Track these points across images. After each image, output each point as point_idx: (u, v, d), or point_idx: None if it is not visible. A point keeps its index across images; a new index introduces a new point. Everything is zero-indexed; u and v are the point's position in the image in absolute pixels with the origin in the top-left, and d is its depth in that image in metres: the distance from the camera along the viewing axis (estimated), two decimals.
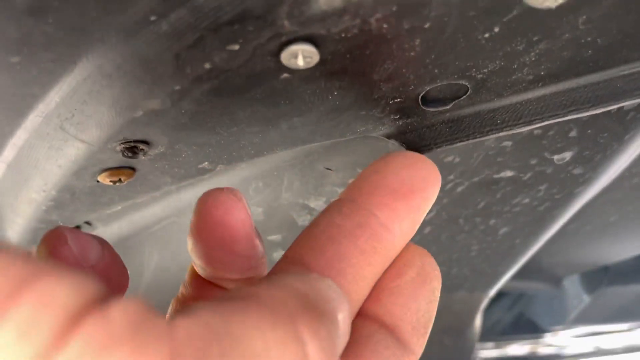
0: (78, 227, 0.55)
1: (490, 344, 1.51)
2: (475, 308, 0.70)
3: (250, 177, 0.46)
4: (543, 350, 1.74)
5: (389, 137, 0.40)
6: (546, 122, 0.35)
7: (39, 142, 0.36)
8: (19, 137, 0.36)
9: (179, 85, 0.29)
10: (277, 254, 0.54)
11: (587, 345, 1.75)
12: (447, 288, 0.64)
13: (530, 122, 0.35)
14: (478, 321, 0.77)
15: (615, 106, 0.34)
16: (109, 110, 0.31)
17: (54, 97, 0.31)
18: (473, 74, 0.32)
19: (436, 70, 0.31)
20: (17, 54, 0.28)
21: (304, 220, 0.49)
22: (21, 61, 0.28)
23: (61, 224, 0.50)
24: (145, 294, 0.58)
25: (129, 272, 0.55)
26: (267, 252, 0.54)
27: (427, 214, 0.50)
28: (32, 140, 0.36)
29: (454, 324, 0.71)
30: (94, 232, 0.56)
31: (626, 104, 0.34)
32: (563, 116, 0.35)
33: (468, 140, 0.38)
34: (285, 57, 0.28)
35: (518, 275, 0.87)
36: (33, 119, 0.33)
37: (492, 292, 0.69)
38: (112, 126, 0.33)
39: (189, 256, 0.55)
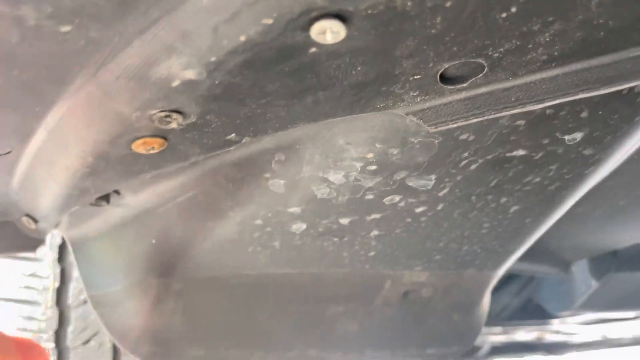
0: (108, 195, 0.58)
1: (498, 329, 1.53)
2: (485, 286, 0.73)
3: (274, 151, 0.48)
4: (550, 337, 1.76)
5: (407, 113, 0.42)
6: (558, 101, 0.36)
7: (81, 109, 0.38)
8: (63, 104, 0.38)
9: (215, 56, 0.32)
10: (296, 226, 0.57)
11: (594, 333, 1.76)
12: (458, 265, 0.67)
13: (542, 100, 0.37)
14: (487, 300, 0.79)
15: (625, 86, 0.35)
16: (149, 80, 0.34)
17: (98, 65, 0.34)
18: (490, 53, 0.34)
19: (455, 48, 0.33)
20: (68, 24, 0.30)
21: (322, 193, 0.52)
22: (71, 31, 0.31)
23: (93, 191, 0.53)
24: (170, 260, 0.61)
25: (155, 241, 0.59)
26: (285, 224, 0.57)
27: (441, 190, 0.53)
28: (75, 108, 0.38)
29: (464, 301, 0.73)
30: (123, 201, 0.59)
31: (635, 84, 0.35)
32: (574, 95, 0.36)
33: (483, 117, 0.40)
34: (314, 32, 0.31)
35: (528, 258, 0.89)
36: (78, 87, 0.36)
37: (501, 271, 0.71)
38: (151, 95, 0.35)
39: (213, 225, 0.58)
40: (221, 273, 0.63)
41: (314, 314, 0.70)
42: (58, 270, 0.88)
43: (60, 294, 0.88)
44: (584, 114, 0.43)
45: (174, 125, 0.39)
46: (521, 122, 0.44)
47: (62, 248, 0.89)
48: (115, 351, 0.90)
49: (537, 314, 1.33)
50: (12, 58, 0.31)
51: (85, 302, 0.88)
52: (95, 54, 0.33)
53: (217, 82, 0.35)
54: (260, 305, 0.67)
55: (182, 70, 0.33)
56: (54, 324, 0.88)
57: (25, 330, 0.87)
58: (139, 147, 0.43)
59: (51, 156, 0.47)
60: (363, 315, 0.71)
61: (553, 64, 0.35)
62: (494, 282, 0.73)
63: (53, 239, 0.89)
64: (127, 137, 0.41)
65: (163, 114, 0.38)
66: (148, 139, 0.42)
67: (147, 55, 0.32)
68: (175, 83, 0.34)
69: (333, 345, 0.72)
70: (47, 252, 0.88)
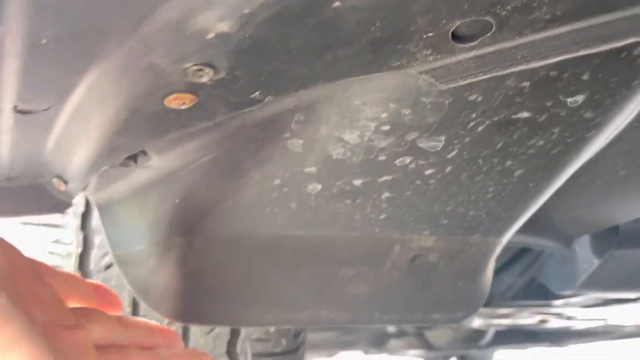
0: (135, 156, 0.61)
1: (502, 310, 1.57)
2: (489, 253, 0.76)
3: (293, 111, 0.52)
4: (552, 321, 1.79)
5: (420, 72, 0.45)
6: (560, 57, 0.40)
7: (121, 63, 0.42)
8: (104, 58, 0.42)
9: (248, 8, 0.35)
10: (312, 186, 0.60)
11: (596, 319, 1.79)
12: (464, 231, 0.70)
13: (546, 57, 0.41)
14: (491, 269, 0.83)
15: (621, 43, 0.39)
16: (186, 32, 0.37)
17: (141, 18, 0.37)
18: (498, 11, 0.37)
19: (466, 6, 0.36)
20: None
21: (338, 153, 0.55)
22: None
23: (123, 150, 0.56)
24: (192, 220, 0.65)
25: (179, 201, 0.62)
26: (302, 184, 0.61)
27: (449, 152, 0.56)
28: (115, 62, 0.42)
29: (469, 267, 0.77)
30: (149, 163, 0.63)
31: (631, 41, 0.39)
32: (575, 52, 0.40)
33: (491, 74, 0.43)
34: None
35: (532, 231, 0.92)
36: (120, 40, 0.39)
37: (505, 238, 0.74)
38: (187, 47, 0.38)
39: (234, 185, 0.62)
40: (240, 233, 0.67)
41: (326, 276, 0.73)
42: (81, 237, 0.92)
43: (83, 259, 0.92)
44: (585, 77, 0.46)
45: (205, 79, 0.43)
46: (526, 83, 0.47)
47: (84, 216, 0.93)
48: (135, 314, 0.94)
49: (541, 294, 1.36)
50: (66, 7, 0.35)
51: (106, 267, 0.93)
52: (139, 6, 0.36)
53: (247, 36, 0.38)
54: (275, 266, 0.71)
55: (217, 22, 0.36)
56: None
57: None
58: (171, 102, 0.46)
59: (88, 112, 0.50)
60: (373, 278, 0.75)
61: (556, 23, 0.39)
62: (498, 250, 0.77)
63: (76, 207, 0.93)
64: (161, 91, 0.45)
65: (196, 67, 0.41)
66: (180, 94, 0.45)
67: (187, 7, 0.35)
68: (210, 35, 0.38)
69: (343, 307, 0.75)
70: (70, 220, 0.92)
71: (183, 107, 0.47)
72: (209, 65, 0.41)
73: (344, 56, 0.42)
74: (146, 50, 0.40)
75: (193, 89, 0.45)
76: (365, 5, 0.36)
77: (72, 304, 0.53)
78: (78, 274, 0.61)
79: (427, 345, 3.20)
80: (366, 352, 3.52)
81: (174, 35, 0.38)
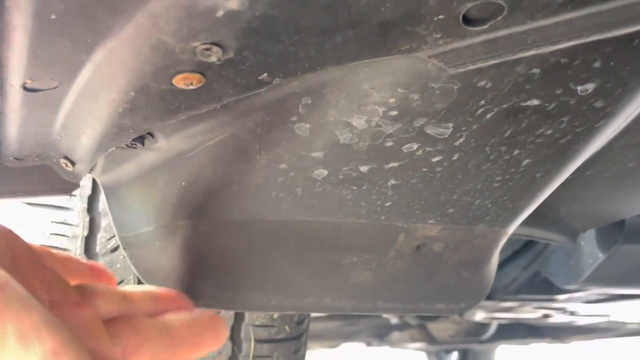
0: (142, 137, 0.61)
1: (506, 304, 1.57)
2: (494, 244, 0.76)
3: (301, 94, 0.52)
4: (555, 316, 1.79)
5: (429, 56, 0.45)
6: (571, 43, 0.39)
7: (130, 40, 0.42)
8: (113, 36, 0.42)
9: None
10: (318, 172, 0.60)
11: (599, 315, 1.79)
12: (469, 220, 0.70)
13: (556, 42, 0.40)
14: (495, 260, 0.82)
15: (634, 29, 0.38)
16: (196, 9, 0.37)
17: None
18: None
19: None
20: None
21: (345, 138, 0.55)
22: None
23: (131, 130, 0.57)
24: (198, 203, 0.65)
25: (185, 184, 0.62)
26: (308, 170, 0.60)
27: (457, 140, 0.56)
28: (123, 39, 0.42)
29: (473, 257, 0.76)
30: (156, 145, 0.63)
31: None
32: (586, 37, 0.39)
33: (501, 58, 0.42)
34: None
35: (538, 224, 0.92)
36: (128, 17, 0.39)
37: (511, 229, 0.74)
38: (197, 25, 0.38)
39: (240, 168, 0.62)
40: (245, 217, 0.67)
41: (330, 263, 0.73)
42: (87, 219, 0.93)
43: (89, 242, 0.93)
44: (596, 64, 0.46)
45: (213, 58, 0.43)
46: (536, 70, 0.46)
47: (91, 198, 0.93)
48: None
49: (545, 288, 1.36)
50: None
51: (112, 250, 0.93)
52: None
53: (257, 14, 0.38)
54: (280, 252, 0.71)
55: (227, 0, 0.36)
56: None
57: None
58: (179, 81, 0.46)
59: (96, 91, 0.50)
60: (377, 266, 0.75)
61: (568, 7, 0.38)
62: (503, 240, 0.77)
63: (82, 189, 0.93)
64: (170, 70, 0.44)
65: (205, 46, 0.41)
66: (188, 74, 0.45)
67: None
68: (220, 13, 0.37)
69: (347, 294, 0.76)
70: (77, 202, 0.93)
71: (191, 87, 0.47)
72: (218, 44, 0.41)
73: (353, 38, 0.42)
74: (155, 28, 0.39)
75: (201, 68, 0.45)
76: None
77: (73, 283, 0.53)
78: (72, 255, 0.61)
79: (430, 338, 3.21)
80: (368, 343, 3.54)
81: (183, 13, 0.38)
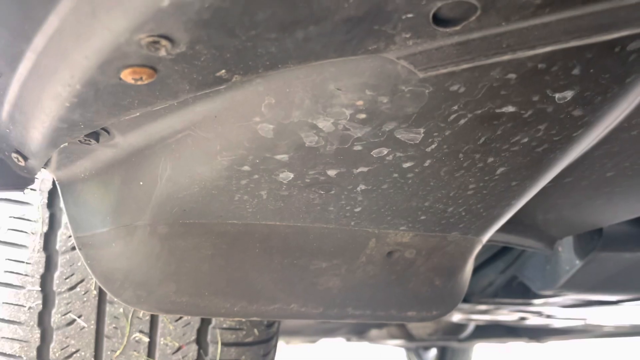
0: (97, 134, 0.58)
1: (482, 306, 1.55)
2: (468, 252, 0.73)
3: (264, 93, 0.48)
4: (532, 319, 1.79)
5: (398, 58, 0.42)
6: (549, 48, 0.36)
7: (70, 30, 0.38)
8: (51, 24, 0.38)
9: None
10: (284, 175, 0.57)
11: (575, 318, 1.79)
12: (442, 227, 0.67)
13: (533, 47, 0.37)
14: (470, 267, 0.80)
15: (617, 35, 0.35)
16: None
17: None
18: None
19: None
20: None
21: (311, 141, 0.52)
22: None
23: (82, 126, 0.53)
24: (157, 204, 0.61)
25: (143, 183, 0.59)
26: (273, 172, 0.57)
27: (429, 145, 0.53)
28: (63, 28, 0.38)
29: (446, 265, 0.74)
30: (112, 142, 0.59)
31: (627, 33, 0.35)
32: (565, 42, 0.36)
33: (474, 62, 0.39)
34: None
35: (514, 231, 0.90)
36: (66, 5, 0.36)
37: (485, 237, 0.72)
38: (140, 15, 0.35)
39: (200, 169, 0.58)
40: (207, 220, 0.64)
41: (298, 268, 0.70)
42: (47, 215, 0.88)
43: (49, 239, 0.89)
44: (576, 71, 0.43)
45: (162, 52, 0.39)
46: (512, 75, 0.43)
47: (52, 193, 0.89)
48: (101, 299, 0.91)
49: (521, 292, 1.35)
50: None
51: (73, 248, 0.89)
52: None
53: (206, 6, 0.34)
54: (244, 256, 0.68)
55: None
56: (41, 268, 0.88)
57: (11, 272, 0.88)
58: (127, 76, 0.42)
59: (40, 83, 0.46)
60: (346, 272, 0.72)
61: (546, 9, 0.35)
62: (477, 248, 0.74)
63: (43, 183, 0.89)
64: (115, 63, 0.41)
65: (151, 38, 0.37)
66: (137, 68, 0.42)
67: None
68: (164, 3, 0.34)
69: (315, 300, 0.73)
70: (36, 197, 0.88)
71: (141, 82, 0.43)
72: (166, 37, 0.37)
73: (316, 35, 0.39)
74: (95, 17, 0.36)
75: (151, 62, 0.41)
76: None
77: None
78: None
79: (408, 336, 3.22)
80: (348, 339, 3.53)
81: (126, 1, 0.34)
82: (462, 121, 0.49)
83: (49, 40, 0.40)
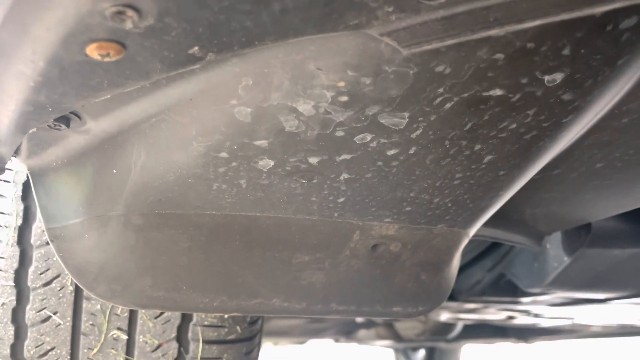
0: (67, 118, 0.55)
1: (470, 305, 1.54)
2: (455, 246, 0.71)
3: (240, 74, 0.46)
4: (520, 318, 1.78)
5: (381, 34, 0.40)
6: (538, 22, 0.34)
7: (29, 0, 0.35)
8: None
9: None
10: (263, 162, 0.55)
11: (563, 318, 1.78)
12: (428, 219, 0.65)
13: (522, 21, 0.35)
14: (456, 262, 0.78)
15: (609, 7, 0.34)
16: None
17: None
18: None
19: None
20: None
21: (291, 125, 0.50)
22: None
23: (50, 109, 0.50)
24: (131, 193, 0.59)
25: (117, 172, 0.56)
26: (252, 159, 0.55)
27: (414, 131, 0.51)
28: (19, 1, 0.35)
29: (433, 259, 0.72)
30: (83, 128, 0.57)
31: (619, 5, 0.34)
32: (555, 15, 0.34)
33: (459, 38, 0.37)
34: None
35: (502, 226, 0.88)
36: None
37: (472, 230, 0.70)
38: None
39: (176, 156, 0.56)
40: (184, 210, 0.61)
41: (280, 261, 0.68)
42: (21, 207, 0.85)
43: (23, 232, 0.85)
44: (566, 51, 0.41)
45: (129, 24, 0.37)
46: (500, 55, 0.42)
47: (26, 185, 0.86)
48: (77, 295, 0.88)
49: (509, 290, 1.33)
50: None
51: (48, 242, 0.86)
52: None
53: None
54: (224, 249, 0.65)
55: None
56: (15, 263, 0.85)
57: None
58: (93, 51, 0.40)
59: (1, 61, 0.44)
60: (330, 266, 0.70)
61: None
62: (464, 242, 0.72)
63: (17, 175, 0.86)
64: (80, 37, 0.38)
65: (116, 8, 0.35)
66: (103, 43, 0.39)
67: None
68: None
69: (298, 295, 0.70)
70: (10, 189, 0.85)
71: (108, 59, 0.40)
72: (132, 7, 0.35)
73: (293, 7, 0.37)
74: None
75: (118, 37, 0.38)
76: None
77: None
78: None
79: (396, 336, 3.21)
80: (336, 340, 3.51)
81: None
82: (448, 105, 0.47)
83: (8, 12, 0.37)
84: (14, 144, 0.59)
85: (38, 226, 0.86)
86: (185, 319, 0.92)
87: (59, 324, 0.87)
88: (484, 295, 1.39)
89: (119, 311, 0.89)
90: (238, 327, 0.95)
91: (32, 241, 0.86)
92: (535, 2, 0.35)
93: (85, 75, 0.44)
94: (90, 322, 0.88)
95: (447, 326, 2.76)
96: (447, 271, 0.76)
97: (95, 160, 0.60)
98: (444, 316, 1.87)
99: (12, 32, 0.39)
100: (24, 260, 0.86)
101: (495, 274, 1.32)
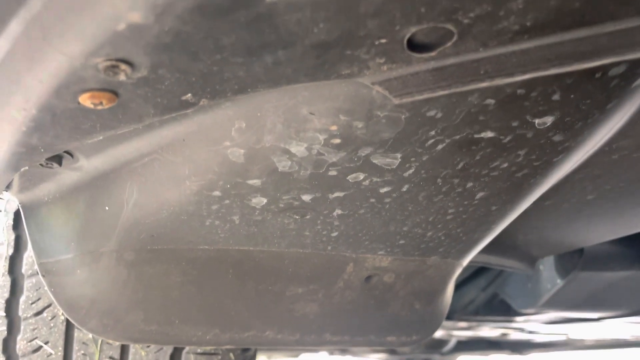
0: (60, 157, 0.55)
1: (463, 323, 1.54)
2: (448, 276, 0.71)
3: (234, 117, 0.46)
4: (514, 335, 1.77)
5: (373, 83, 0.40)
6: (528, 75, 0.35)
7: (22, 53, 0.35)
8: (1, 47, 0.36)
9: None
10: (256, 200, 0.55)
11: (557, 333, 1.78)
12: (422, 252, 0.65)
13: (512, 74, 0.36)
14: (450, 290, 0.78)
15: (598, 63, 0.34)
16: (92, 20, 0.31)
17: (37, 2, 0.31)
18: (460, 18, 0.32)
19: (423, 9, 0.31)
20: None
21: (284, 166, 0.50)
22: None
23: (42, 150, 0.50)
24: (123, 229, 0.58)
25: (109, 208, 0.56)
26: (245, 197, 0.55)
27: (406, 170, 0.51)
28: (14, 52, 0.35)
29: (426, 289, 0.72)
30: (76, 165, 0.56)
31: (609, 62, 0.34)
32: (545, 70, 0.35)
33: (450, 89, 0.38)
34: None
35: (494, 251, 0.89)
36: (15, 27, 0.33)
37: (465, 261, 0.70)
38: (94, 38, 0.32)
39: (169, 194, 0.56)
40: (177, 246, 0.61)
41: (273, 294, 0.68)
42: (12, 237, 0.85)
43: (14, 261, 0.85)
44: (556, 97, 0.42)
45: (122, 77, 0.37)
46: (491, 101, 0.42)
47: (17, 215, 0.85)
48: (69, 324, 0.87)
49: (502, 310, 1.34)
50: None
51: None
52: None
53: (166, 29, 0.32)
54: (216, 282, 0.65)
55: (127, 11, 0.30)
56: (5, 293, 0.84)
57: None
58: (86, 100, 0.40)
59: None
60: (323, 297, 0.69)
61: (525, 36, 0.34)
62: (457, 271, 0.72)
63: (9, 204, 0.85)
64: (72, 88, 0.38)
65: (109, 62, 0.35)
66: (96, 93, 0.39)
67: None
68: (121, 26, 0.32)
69: (291, 326, 0.70)
70: (2, 218, 0.84)
71: (101, 107, 0.40)
72: (125, 61, 0.35)
73: (286, 59, 0.37)
74: (46, 41, 0.33)
75: (111, 87, 0.38)
76: (304, 3, 0.30)
77: None
78: None
79: (391, 350, 3.19)
80: (331, 353, 3.49)
81: (77, 23, 0.32)
82: (440, 146, 0.47)
83: (1, 63, 0.37)
84: (6, 181, 0.58)
85: (29, 255, 0.86)
86: (178, 347, 0.91)
87: (50, 354, 0.86)
88: (477, 314, 1.39)
89: (110, 340, 0.88)
90: (231, 354, 0.95)
91: (23, 270, 0.85)
92: (525, 56, 0.35)
93: (77, 120, 0.44)
94: (82, 352, 0.87)
95: (442, 340, 2.75)
96: (441, 300, 0.76)
97: (87, 196, 0.59)
98: (438, 333, 1.87)
99: (5, 81, 0.39)
100: (14, 289, 0.85)
101: (489, 293, 1.32)
